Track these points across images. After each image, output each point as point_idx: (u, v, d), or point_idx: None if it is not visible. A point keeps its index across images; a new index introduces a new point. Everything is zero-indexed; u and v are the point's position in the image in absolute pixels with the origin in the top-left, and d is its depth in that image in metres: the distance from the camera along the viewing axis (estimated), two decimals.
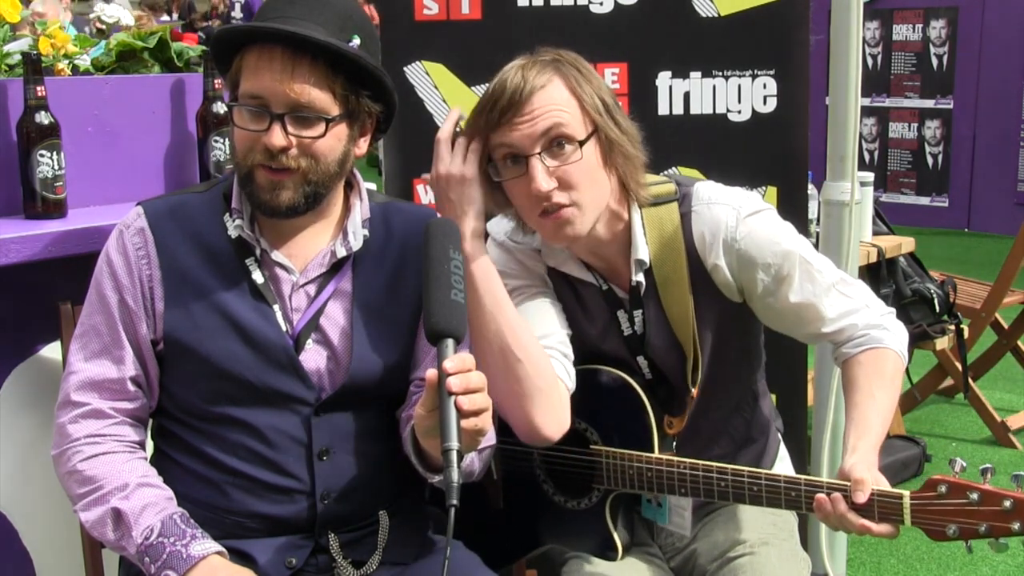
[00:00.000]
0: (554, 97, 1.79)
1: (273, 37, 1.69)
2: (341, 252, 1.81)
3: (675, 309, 1.91)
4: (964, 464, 1.67)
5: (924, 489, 1.67)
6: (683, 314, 1.91)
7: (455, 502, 1.44)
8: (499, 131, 1.80)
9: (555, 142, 1.78)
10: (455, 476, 1.45)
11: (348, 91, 1.73)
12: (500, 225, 1.99)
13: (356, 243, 1.82)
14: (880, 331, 1.92)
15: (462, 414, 1.50)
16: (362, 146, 1.82)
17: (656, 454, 1.87)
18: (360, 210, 1.84)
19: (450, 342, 1.56)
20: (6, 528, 2.16)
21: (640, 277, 1.90)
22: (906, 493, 1.67)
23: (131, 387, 1.78)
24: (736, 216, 1.88)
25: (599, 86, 1.85)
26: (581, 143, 1.79)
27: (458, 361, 1.52)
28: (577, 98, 1.81)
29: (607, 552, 1.92)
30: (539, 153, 1.78)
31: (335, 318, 1.81)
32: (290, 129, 1.70)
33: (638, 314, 1.93)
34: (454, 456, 1.46)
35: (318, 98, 1.70)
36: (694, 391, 1.94)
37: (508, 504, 2.03)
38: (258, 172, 1.72)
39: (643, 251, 1.89)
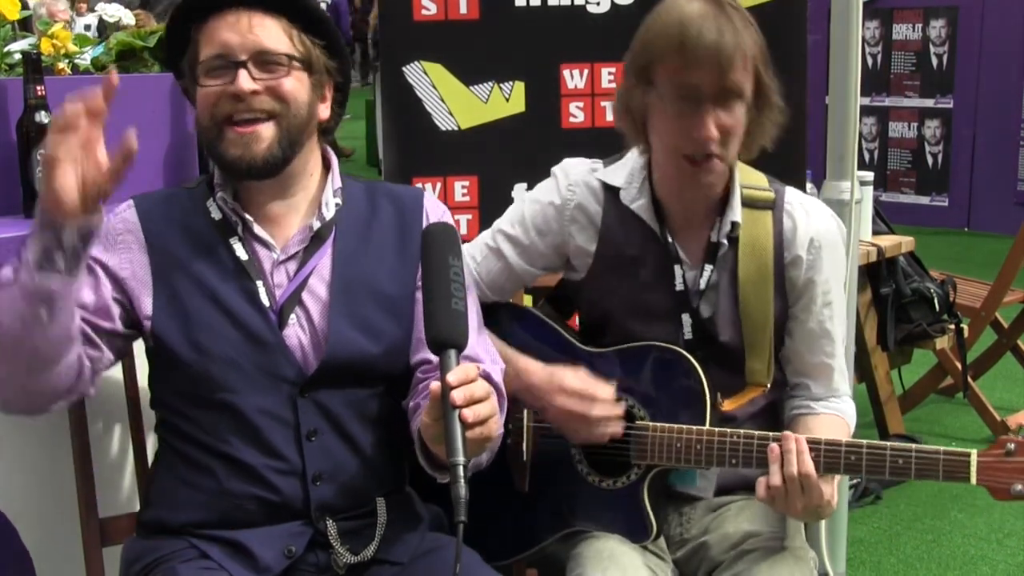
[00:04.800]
0: (743, 54, 1.83)
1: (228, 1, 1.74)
2: (316, 225, 1.83)
3: (752, 307, 1.96)
4: None
5: (992, 448, 1.74)
6: (761, 317, 1.96)
7: (463, 518, 1.44)
8: (684, 70, 1.83)
9: (730, 97, 1.84)
10: (463, 492, 1.45)
11: (303, 39, 1.79)
12: (583, 163, 2.06)
13: (328, 212, 1.84)
14: (850, 408, 2.05)
15: (467, 426, 1.51)
16: (323, 111, 1.85)
17: (708, 427, 1.89)
18: (332, 181, 1.87)
19: (452, 352, 1.56)
20: (6, 527, 2.16)
21: (724, 238, 1.96)
22: (973, 452, 1.75)
23: None
24: (823, 219, 1.99)
25: (765, 49, 1.90)
26: (749, 106, 1.87)
27: (461, 373, 1.53)
28: (754, 61, 1.86)
29: (638, 533, 1.93)
30: (715, 102, 1.83)
31: (317, 294, 1.82)
32: (255, 74, 1.74)
33: (708, 268, 1.96)
34: (461, 471, 1.46)
35: (279, 42, 1.76)
36: (767, 384, 1.99)
37: (534, 486, 2.03)
38: (227, 130, 1.76)
39: (737, 213, 1.95)
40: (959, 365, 4.25)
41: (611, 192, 2.01)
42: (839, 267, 2.01)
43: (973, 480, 1.73)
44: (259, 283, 1.79)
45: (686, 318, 1.97)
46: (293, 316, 1.80)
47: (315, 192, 1.87)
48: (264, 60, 1.75)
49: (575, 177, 2.04)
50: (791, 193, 2.02)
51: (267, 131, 1.76)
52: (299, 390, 1.78)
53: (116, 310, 1.79)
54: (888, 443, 1.80)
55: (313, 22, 1.80)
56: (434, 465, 1.76)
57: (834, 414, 2.02)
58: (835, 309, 2.00)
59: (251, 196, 1.83)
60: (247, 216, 1.81)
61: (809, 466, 1.78)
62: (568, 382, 1.92)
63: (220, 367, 1.76)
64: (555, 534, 2.01)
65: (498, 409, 1.64)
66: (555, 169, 2.08)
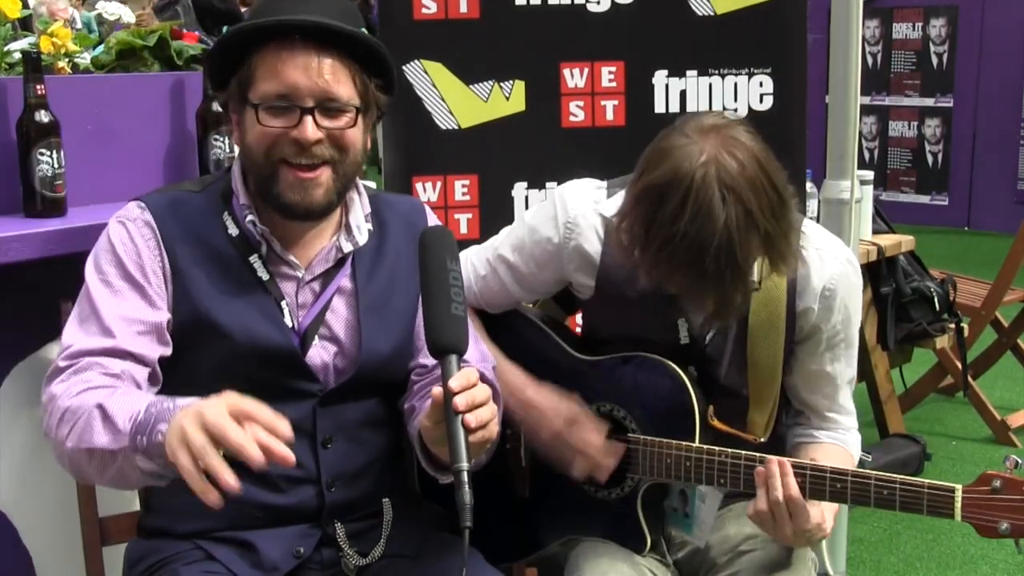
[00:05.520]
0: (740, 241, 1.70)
1: (299, 30, 1.68)
2: (347, 247, 1.81)
3: (761, 355, 1.91)
4: (1018, 461, 1.67)
5: (977, 484, 1.67)
6: (769, 365, 1.91)
7: (469, 524, 1.43)
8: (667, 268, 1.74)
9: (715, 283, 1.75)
10: (467, 497, 1.44)
11: (365, 81, 1.74)
12: (585, 194, 1.98)
13: (362, 238, 1.82)
14: (854, 439, 2.02)
15: (469, 431, 1.51)
16: (368, 141, 1.81)
17: (697, 444, 1.87)
18: (361, 205, 1.85)
19: (453, 358, 1.55)
20: (6, 527, 2.16)
21: None
22: (958, 487, 1.68)
23: (122, 355, 1.68)
24: (837, 263, 1.92)
25: (764, 205, 1.72)
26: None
27: (462, 378, 1.53)
28: (761, 243, 1.74)
29: (633, 544, 1.93)
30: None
31: (340, 313, 1.81)
32: (319, 120, 1.69)
33: (716, 325, 1.91)
34: (465, 476, 1.46)
35: (344, 88, 1.71)
36: (762, 438, 1.95)
37: (535, 492, 2.03)
38: (284, 172, 1.71)
39: (755, 273, 1.83)
40: (959, 364, 4.25)
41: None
42: (851, 312, 1.93)
43: (958, 517, 1.67)
44: (283, 303, 1.77)
45: (692, 370, 1.94)
46: (317, 336, 1.79)
47: (339, 213, 1.83)
48: (328, 107, 1.70)
49: (574, 213, 1.96)
50: (806, 233, 1.91)
51: (325, 176, 1.72)
52: (319, 401, 1.78)
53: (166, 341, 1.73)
54: (873, 472, 1.75)
55: (375, 61, 1.75)
56: (435, 465, 1.76)
57: (836, 444, 1.99)
58: (839, 352, 1.95)
59: (280, 220, 1.78)
60: (275, 243, 1.77)
61: (794, 489, 1.75)
62: (560, 421, 1.91)
63: (237, 383, 1.71)
64: (556, 540, 2.02)
65: (497, 411, 1.64)
66: (555, 196, 2.00)
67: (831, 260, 1.91)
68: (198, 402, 1.48)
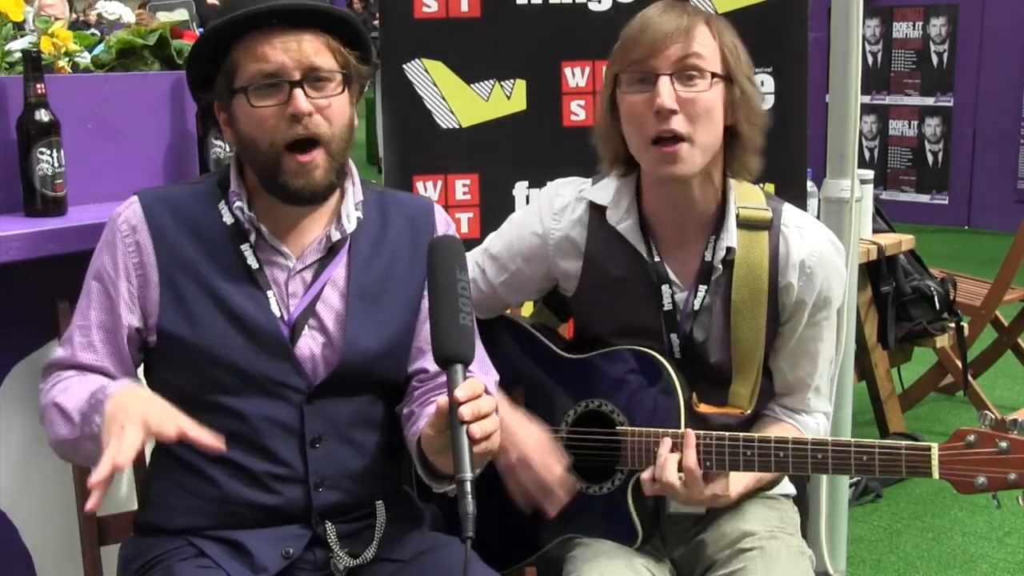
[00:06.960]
0: (696, 33, 1.85)
1: (275, 15, 1.71)
2: (336, 236, 1.82)
3: (744, 331, 1.93)
4: (993, 416, 1.69)
5: (952, 440, 1.69)
6: (751, 343, 1.93)
7: (471, 534, 1.44)
8: (638, 57, 1.85)
9: (688, 70, 1.83)
10: (471, 507, 1.44)
11: (344, 53, 1.77)
12: (570, 187, 2.05)
13: (350, 225, 1.83)
14: (816, 425, 2.03)
15: (474, 441, 1.51)
16: (355, 117, 1.83)
17: (682, 430, 1.88)
18: (353, 193, 1.85)
19: (459, 367, 1.56)
20: (6, 526, 2.16)
21: (719, 263, 1.93)
22: (935, 445, 1.69)
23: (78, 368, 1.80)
24: (817, 241, 1.95)
25: (740, 46, 1.91)
26: (713, 75, 1.84)
27: (468, 388, 1.53)
28: (718, 42, 1.87)
29: (626, 538, 1.93)
30: (670, 75, 1.82)
31: (331, 303, 1.81)
32: (309, 92, 1.72)
33: (702, 289, 1.94)
34: (468, 486, 1.46)
35: (326, 60, 1.74)
36: (748, 410, 1.97)
37: None
38: (286, 160, 1.73)
39: (733, 238, 1.92)
40: (959, 363, 4.25)
41: (598, 211, 1.99)
42: (832, 289, 1.96)
43: (935, 474, 1.69)
44: (270, 293, 1.78)
45: (674, 338, 1.96)
46: (307, 326, 1.79)
47: (333, 203, 1.84)
48: (315, 78, 1.73)
49: (559, 205, 2.02)
50: (788, 213, 1.97)
51: (320, 158, 1.74)
52: (306, 398, 1.78)
53: (136, 331, 1.80)
54: (853, 439, 1.77)
55: (350, 34, 1.78)
56: (431, 475, 1.76)
57: (792, 424, 2.01)
58: (822, 331, 1.98)
59: (273, 207, 1.80)
60: (263, 228, 1.79)
61: (691, 460, 1.80)
62: (529, 445, 1.90)
63: (225, 372, 1.75)
64: (551, 541, 2.02)
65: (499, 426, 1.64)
66: (542, 194, 2.07)
67: (811, 237, 1.95)
68: (134, 395, 1.65)
